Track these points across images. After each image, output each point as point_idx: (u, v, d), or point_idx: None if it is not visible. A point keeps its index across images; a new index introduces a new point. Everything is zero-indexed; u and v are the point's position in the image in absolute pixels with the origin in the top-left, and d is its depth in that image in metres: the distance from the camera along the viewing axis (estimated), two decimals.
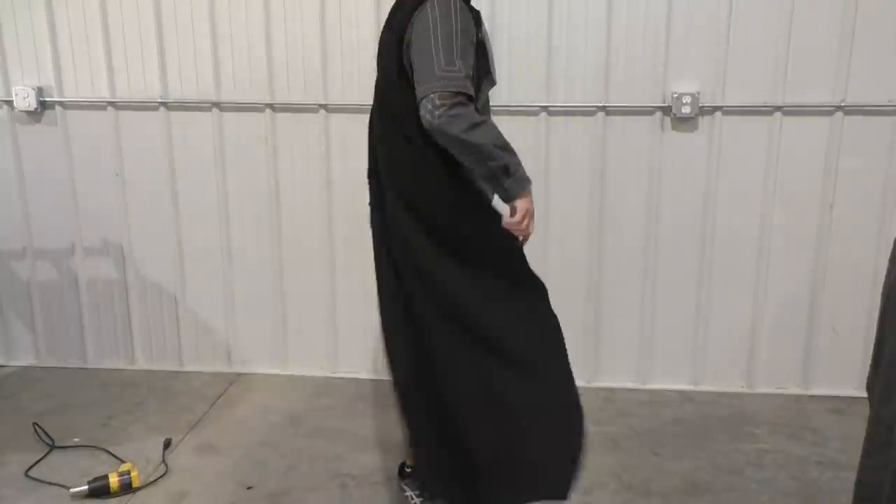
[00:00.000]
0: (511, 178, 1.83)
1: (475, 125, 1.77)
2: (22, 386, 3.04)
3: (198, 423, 2.74)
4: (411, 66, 1.81)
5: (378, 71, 1.96)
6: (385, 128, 1.91)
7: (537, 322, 1.97)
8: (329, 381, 3.09)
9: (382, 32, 1.97)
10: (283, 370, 3.16)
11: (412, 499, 2.20)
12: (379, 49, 1.96)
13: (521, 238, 1.91)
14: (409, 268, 1.89)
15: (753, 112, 2.76)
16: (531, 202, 1.88)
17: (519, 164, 1.85)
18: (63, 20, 2.91)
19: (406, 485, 2.23)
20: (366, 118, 2.02)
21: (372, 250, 2.02)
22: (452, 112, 1.75)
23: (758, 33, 2.69)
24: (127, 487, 2.28)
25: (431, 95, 1.74)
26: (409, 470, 2.24)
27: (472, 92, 1.79)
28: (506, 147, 1.83)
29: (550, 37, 2.75)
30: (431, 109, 1.74)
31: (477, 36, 1.85)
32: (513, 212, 1.86)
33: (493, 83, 1.95)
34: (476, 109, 1.82)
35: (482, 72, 1.88)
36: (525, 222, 1.88)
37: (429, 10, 1.78)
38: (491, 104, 2.08)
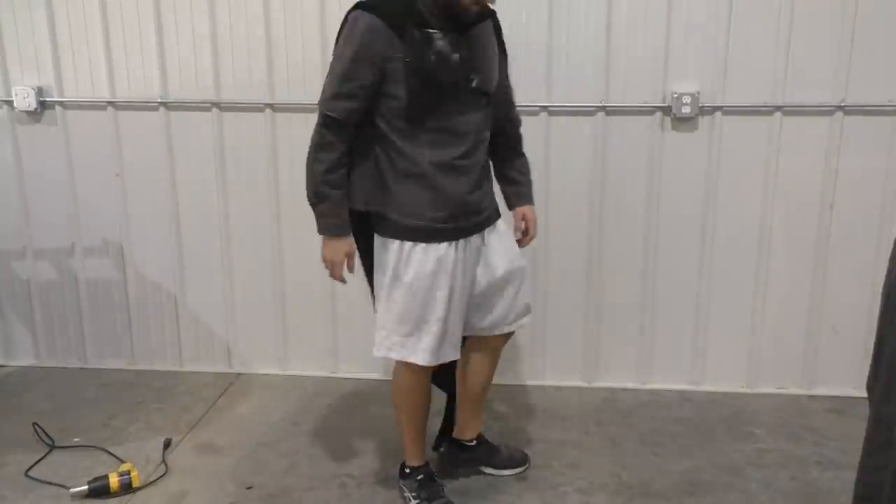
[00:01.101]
0: (317, 219, 1.96)
1: (316, 148, 1.92)
2: (22, 386, 3.04)
3: (198, 423, 2.74)
4: None
5: None
6: None
7: None
8: (329, 381, 3.09)
9: None
10: (283, 370, 3.16)
11: (410, 500, 2.20)
12: None
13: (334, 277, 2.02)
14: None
15: (753, 112, 2.76)
16: (333, 254, 1.96)
17: (324, 214, 1.94)
18: (63, 20, 2.91)
19: (404, 485, 2.23)
20: None
21: None
22: (313, 131, 1.94)
23: (758, 33, 2.69)
24: (127, 487, 2.28)
25: None
26: (407, 471, 2.24)
27: (334, 114, 1.88)
28: (317, 195, 1.93)
29: (551, 37, 2.75)
30: None
31: (402, 55, 1.85)
32: None
33: (448, 97, 1.92)
34: (429, 129, 1.90)
35: (424, 91, 1.88)
36: (330, 267, 1.98)
37: (342, 29, 1.91)
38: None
